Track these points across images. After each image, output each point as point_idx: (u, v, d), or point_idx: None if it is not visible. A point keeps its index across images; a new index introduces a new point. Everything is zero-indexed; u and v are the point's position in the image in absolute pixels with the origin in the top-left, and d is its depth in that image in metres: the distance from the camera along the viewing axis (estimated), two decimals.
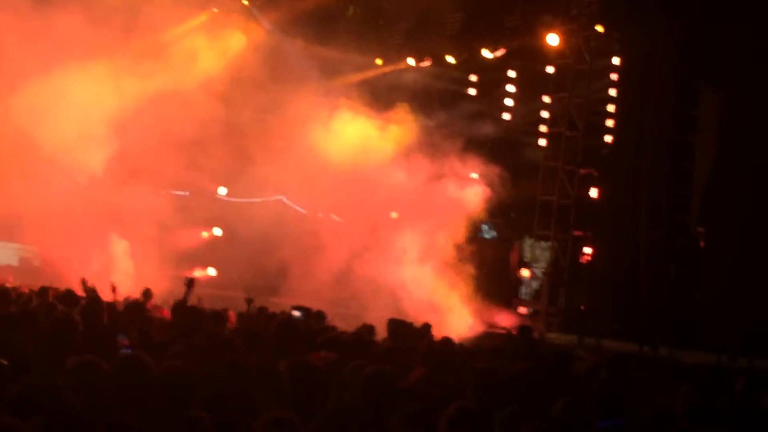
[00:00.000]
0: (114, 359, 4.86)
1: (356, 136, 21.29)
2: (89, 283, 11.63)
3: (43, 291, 11.35)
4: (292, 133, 21.39)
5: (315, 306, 13.28)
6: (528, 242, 22.51)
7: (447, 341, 10.44)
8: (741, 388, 7.69)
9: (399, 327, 10.97)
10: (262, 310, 11.95)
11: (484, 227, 23.68)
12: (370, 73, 23.40)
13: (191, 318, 9.02)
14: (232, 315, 10.90)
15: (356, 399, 5.56)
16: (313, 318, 12.32)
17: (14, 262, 23.25)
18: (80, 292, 11.39)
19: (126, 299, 12.50)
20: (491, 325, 18.99)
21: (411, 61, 23.33)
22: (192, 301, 11.21)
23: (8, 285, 12.70)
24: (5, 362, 5.50)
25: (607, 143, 20.46)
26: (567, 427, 5.77)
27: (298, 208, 24.18)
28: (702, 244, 17.88)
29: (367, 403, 5.35)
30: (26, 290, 12.11)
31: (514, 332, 13.63)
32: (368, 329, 10.84)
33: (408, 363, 7.58)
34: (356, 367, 6.05)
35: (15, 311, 8.24)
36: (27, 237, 21.65)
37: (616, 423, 6.15)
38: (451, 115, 21.37)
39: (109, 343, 6.61)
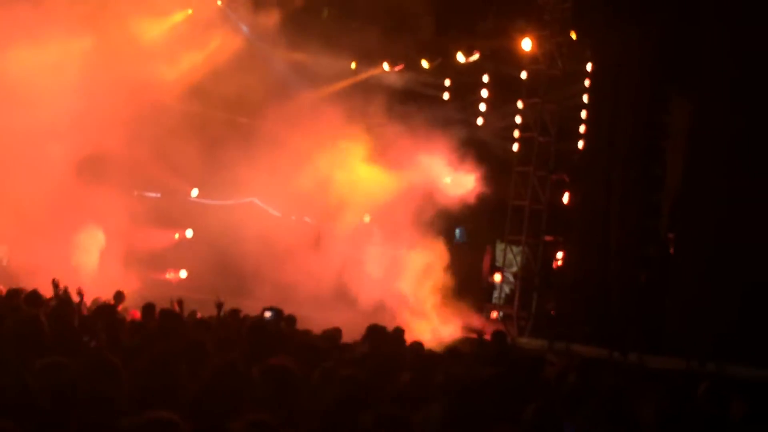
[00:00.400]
0: (81, 359, 4.81)
1: (330, 138, 21.29)
2: (60, 285, 11.57)
3: (13, 293, 11.22)
4: (266, 136, 21.35)
5: (286, 309, 13.26)
6: (500, 247, 22.56)
7: (418, 346, 10.48)
8: (703, 393, 7.74)
9: (376, 332, 10.99)
10: (234, 312, 11.90)
11: (457, 231, 23.76)
12: (346, 77, 23.41)
13: (166, 321, 9.00)
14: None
15: (328, 404, 5.56)
16: (285, 321, 12.32)
17: None
18: (51, 292, 11.32)
19: (96, 301, 12.44)
20: (464, 330, 19.05)
21: (386, 66, 23.37)
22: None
23: None
24: None
25: (579, 149, 20.52)
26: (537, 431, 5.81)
27: (271, 210, 24.15)
28: (672, 250, 18.00)
29: (338, 408, 5.34)
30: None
31: (486, 337, 13.65)
32: (336, 333, 10.84)
33: (386, 368, 7.58)
34: (327, 371, 6.06)
35: None
36: None
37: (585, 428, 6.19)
38: (425, 118, 21.34)
39: (78, 346, 6.56)
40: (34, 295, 10.81)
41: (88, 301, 11.92)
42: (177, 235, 24.32)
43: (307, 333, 11.14)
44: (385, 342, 10.47)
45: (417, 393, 6.38)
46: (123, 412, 4.57)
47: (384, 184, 21.40)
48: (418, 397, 6.23)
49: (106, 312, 9.32)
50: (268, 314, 12.32)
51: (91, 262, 20.56)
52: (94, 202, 20.70)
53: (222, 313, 10.84)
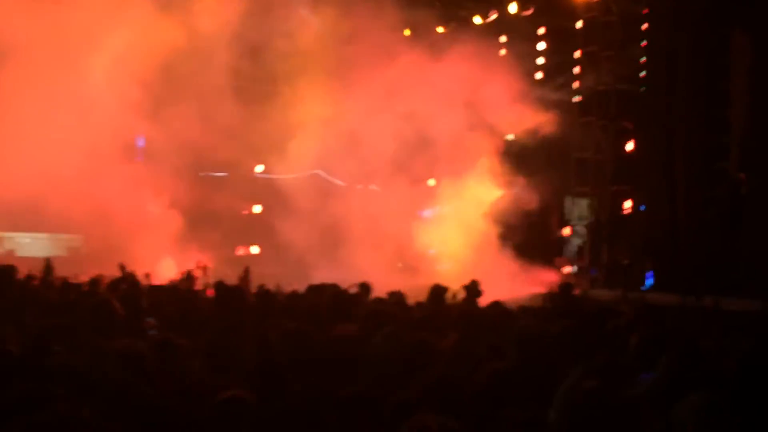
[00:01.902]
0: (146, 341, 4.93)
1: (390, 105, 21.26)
2: (127, 268, 11.84)
3: (95, 281, 11.49)
4: (324, 107, 21.41)
5: (358, 278, 13.34)
6: (568, 200, 22.38)
7: (495, 305, 10.47)
8: None
9: (438, 292, 10.99)
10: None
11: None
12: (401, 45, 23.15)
13: (234, 297, 9.11)
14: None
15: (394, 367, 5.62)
16: (361, 288, 12.40)
17: (62, 253, 23.60)
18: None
19: (170, 282, 12.70)
20: (535, 285, 19.00)
21: (440, 29, 23.17)
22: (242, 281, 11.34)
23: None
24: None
25: (641, 95, 20.16)
26: (608, 380, 5.81)
27: (336, 181, 24.24)
28: (743, 190, 17.66)
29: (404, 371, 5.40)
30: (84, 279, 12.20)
31: (555, 290, 13.60)
32: (400, 296, 10.85)
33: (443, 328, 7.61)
34: (389, 334, 6.12)
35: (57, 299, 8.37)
36: (73, 227, 21.85)
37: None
38: (483, 73, 21.07)
39: (144, 327, 6.73)
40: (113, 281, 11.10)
41: (161, 282, 12.18)
42: (246, 212, 24.59)
43: (378, 300, 11.19)
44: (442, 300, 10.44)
45: (477, 353, 6.42)
46: (194, 392, 4.68)
47: (445, 144, 21.36)
48: (480, 356, 6.26)
49: (176, 292, 9.53)
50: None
51: (165, 244, 20.95)
52: (163, 185, 21.10)
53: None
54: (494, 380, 5.13)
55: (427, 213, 23.42)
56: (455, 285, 11.70)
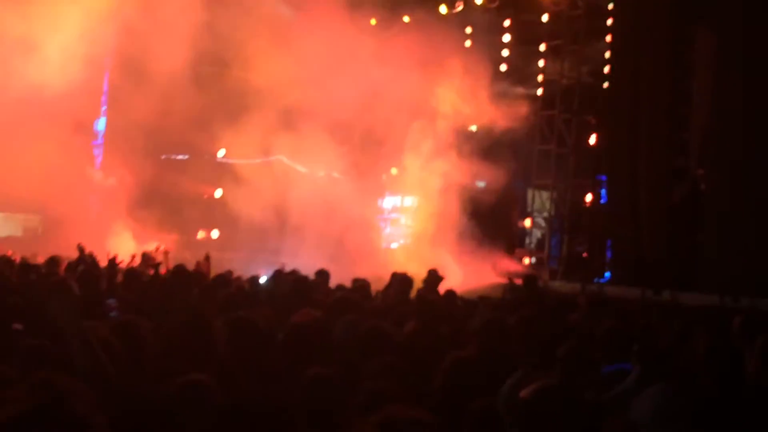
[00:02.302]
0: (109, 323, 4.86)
1: (356, 91, 21.18)
2: (86, 250, 11.70)
3: (53, 260, 11.35)
4: (291, 93, 21.27)
5: (317, 265, 13.29)
6: (529, 192, 22.48)
7: (451, 294, 10.49)
8: (738, 328, 7.68)
9: (400, 280, 10.97)
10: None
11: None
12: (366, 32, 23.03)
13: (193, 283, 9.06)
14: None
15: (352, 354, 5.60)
16: (318, 276, 12.32)
17: (18, 233, 23.32)
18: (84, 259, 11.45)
19: (128, 265, 12.56)
20: (497, 276, 19.07)
21: (406, 19, 23.08)
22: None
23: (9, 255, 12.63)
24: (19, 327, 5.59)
25: (604, 89, 20.28)
26: (571, 372, 5.82)
27: (298, 167, 24.13)
28: (702, 186, 17.86)
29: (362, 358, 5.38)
30: (40, 260, 12.05)
31: (517, 282, 13.64)
32: (365, 284, 10.81)
33: (404, 316, 7.60)
34: (350, 323, 6.10)
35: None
36: (30, 206, 21.58)
37: (621, 366, 6.16)
38: (448, 64, 21.08)
39: (104, 310, 6.65)
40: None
41: (122, 264, 12.04)
42: (207, 196, 24.45)
43: (340, 287, 11.14)
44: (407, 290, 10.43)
45: (437, 341, 6.42)
46: (155, 375, 4.63)
47: (412, 134, 21.37)
48: (439, 345, 6.26)
49: (135, 274, 9.42)
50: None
51: (122, 226, 20.78)
52: (123, 167, 20.91)
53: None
54: (457, 369, 5.11)
55: (387, 201, 23.46)
56: (415, 271, 11.69)
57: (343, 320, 6.16)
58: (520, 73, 22.65)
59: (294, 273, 10.56)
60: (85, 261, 10.72)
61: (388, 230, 23.18)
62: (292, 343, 5.53)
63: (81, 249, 11.70)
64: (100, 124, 23.56)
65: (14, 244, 18.37)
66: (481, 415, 4.32)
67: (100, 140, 23.31)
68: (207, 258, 11.33)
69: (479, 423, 4.29)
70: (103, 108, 23.45)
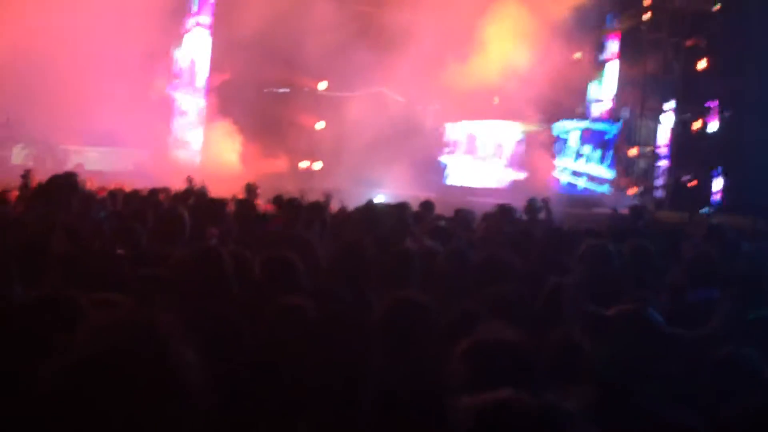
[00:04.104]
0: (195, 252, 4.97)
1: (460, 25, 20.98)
2: (194, 181, 11.92)
3: (153, 191, 11.61)
4: (390, 25, 21.16)
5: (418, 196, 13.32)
6: (636, 120, 21.97)
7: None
8: None
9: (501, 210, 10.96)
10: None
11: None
12: None
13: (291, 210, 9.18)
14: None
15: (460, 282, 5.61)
16: (422, 206, 12.37)
17: (129, 167, 23.97)
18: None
19: (233, 197, 12.77)
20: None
21: None
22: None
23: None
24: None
25: (714, 12, 19.52)
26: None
27: (398, 98, 24.10)
28: None
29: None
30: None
31: (624, 212, 13.44)
32: (468, 214, 10.79)
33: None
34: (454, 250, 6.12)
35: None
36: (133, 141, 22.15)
37: (711, 293, 6.01)
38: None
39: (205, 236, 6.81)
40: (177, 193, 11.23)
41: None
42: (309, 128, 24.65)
43: (438, 217, 11.15)
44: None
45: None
46: (256, 299, 4.72)
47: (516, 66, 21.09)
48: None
49: (242, 205, 9.60)
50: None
51: (227, 158, 21.22)
52: (228, 102, 21.30)
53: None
54: (557, 294, 5.06)
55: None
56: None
57: (448, 248, 6.18)
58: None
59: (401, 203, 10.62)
60: (194, 192, 10.92)
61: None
62: (391, 268, 5.61)
63: (190, 180, 11.93)
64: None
65: (125, 178, 18.92)
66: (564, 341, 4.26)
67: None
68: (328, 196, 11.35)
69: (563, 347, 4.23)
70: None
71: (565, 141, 22.76)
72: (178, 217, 6.45)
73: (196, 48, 24.04)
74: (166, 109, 23.66)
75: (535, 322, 4.84)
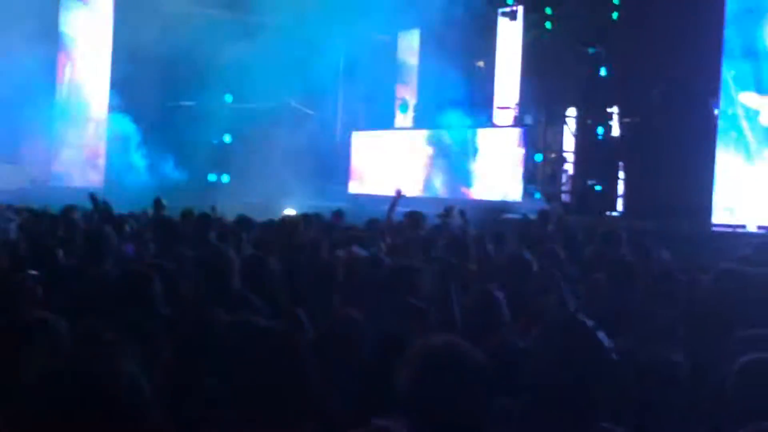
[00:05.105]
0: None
1: None
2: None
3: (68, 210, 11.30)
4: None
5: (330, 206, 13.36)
6: (539, 125, 22.29)
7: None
8: None
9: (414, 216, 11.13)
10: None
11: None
12: None
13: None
14: None
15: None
16: (334, 214, 12.52)
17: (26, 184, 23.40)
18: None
19: (144, 212, 12.58)
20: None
21: None
22: None
23: None
24: None
25: (614, 20, 19.92)
26: None
27: (307, 111, 24.08)
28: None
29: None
30: None
31: (531, 216, 13.62)
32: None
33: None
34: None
35: None
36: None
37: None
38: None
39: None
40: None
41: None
42: (215, 141, 24.43)
43: (351, 227, 11.19)
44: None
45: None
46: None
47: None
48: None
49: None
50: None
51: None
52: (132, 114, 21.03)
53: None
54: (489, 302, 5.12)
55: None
56: None
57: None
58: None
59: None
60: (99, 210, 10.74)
61: None
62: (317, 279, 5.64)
63: (94, 198, 11.64)
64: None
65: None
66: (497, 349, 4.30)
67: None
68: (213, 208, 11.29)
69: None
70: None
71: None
72: (103, 236, 6.39)
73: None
74: None
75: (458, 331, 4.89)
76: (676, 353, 4.31)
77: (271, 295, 5.38)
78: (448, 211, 11.64)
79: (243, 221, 9.79)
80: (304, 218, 10.83)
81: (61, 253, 6.24)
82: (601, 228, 9.92)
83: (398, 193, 11.89)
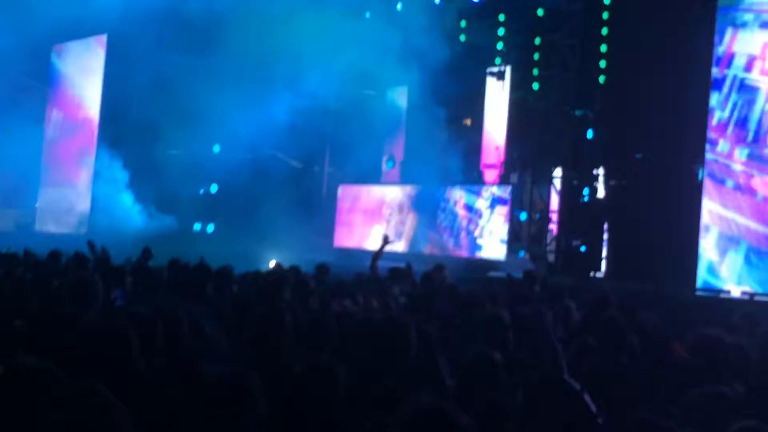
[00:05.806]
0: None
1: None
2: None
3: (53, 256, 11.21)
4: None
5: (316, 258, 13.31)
6: (525, 186, 22.39)
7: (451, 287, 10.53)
8: None
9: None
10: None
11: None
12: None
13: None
14: None
15: None
16: (317, 269, 12.35)
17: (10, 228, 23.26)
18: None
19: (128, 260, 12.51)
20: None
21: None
22: None
23: None
24: None
25: (602, 84, 20.09)
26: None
27: (293, 162, 24.14)
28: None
29: None
30: None
31: (514, 278, 13.59)
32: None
33: None
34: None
35: None
36: None
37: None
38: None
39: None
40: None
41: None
42: (202, 191, 24.41)
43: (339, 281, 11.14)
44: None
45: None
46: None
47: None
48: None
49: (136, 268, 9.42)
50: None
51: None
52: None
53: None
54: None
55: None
56: None
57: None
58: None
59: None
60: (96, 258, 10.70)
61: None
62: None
63: (92, 245, 11.62)
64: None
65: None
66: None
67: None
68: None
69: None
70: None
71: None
72: (91, 284, 6.36)
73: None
74: None
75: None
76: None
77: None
78: (439, 269, 11.65)
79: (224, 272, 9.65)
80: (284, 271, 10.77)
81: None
82: (590, 290, 9.93)
83: (385, 238, 11.92)
